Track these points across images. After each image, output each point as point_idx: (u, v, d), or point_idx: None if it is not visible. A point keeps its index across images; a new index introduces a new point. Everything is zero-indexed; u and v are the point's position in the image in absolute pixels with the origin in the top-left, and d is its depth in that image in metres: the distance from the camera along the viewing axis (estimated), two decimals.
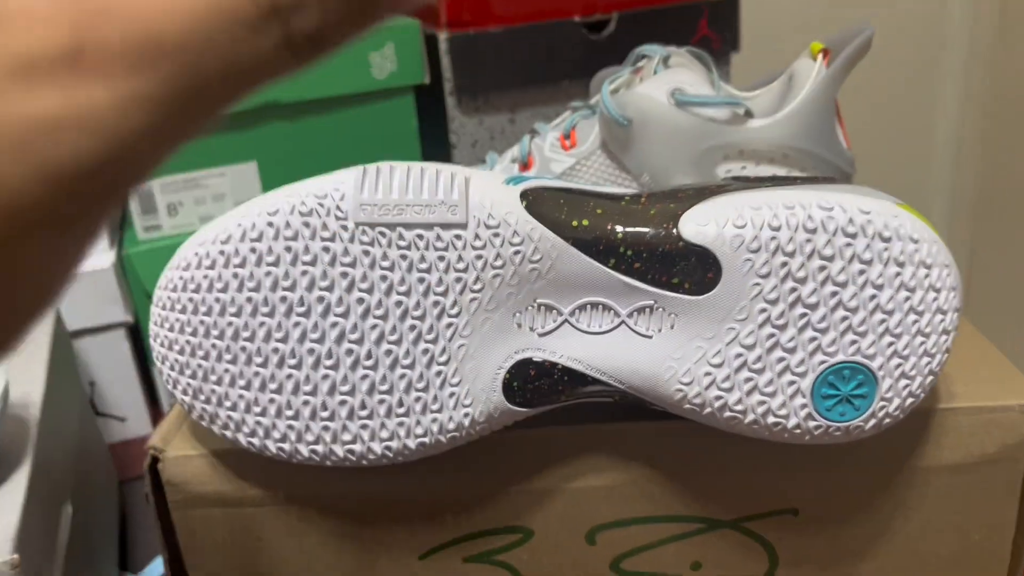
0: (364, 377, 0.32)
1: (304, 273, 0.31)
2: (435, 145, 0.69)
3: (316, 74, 0.62)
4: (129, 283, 0.61)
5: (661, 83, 0.41)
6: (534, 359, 0.32)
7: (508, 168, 0.43)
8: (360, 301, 0.31)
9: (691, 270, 0.31)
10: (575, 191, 0.32)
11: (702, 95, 0.40)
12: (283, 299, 0.31)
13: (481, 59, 0.65)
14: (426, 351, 0.32)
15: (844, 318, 0.30)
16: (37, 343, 0.47)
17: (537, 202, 0.31)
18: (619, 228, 0.31)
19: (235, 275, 0.31)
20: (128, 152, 0.12)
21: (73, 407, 0.49)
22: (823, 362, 0.31)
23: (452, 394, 0.32)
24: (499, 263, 0.31)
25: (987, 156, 1.18)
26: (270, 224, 0.31)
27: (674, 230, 0.31)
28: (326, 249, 0.31)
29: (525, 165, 0.43)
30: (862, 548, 0.37)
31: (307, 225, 0.31)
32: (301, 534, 0.37)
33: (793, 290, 0.30)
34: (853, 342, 0.31)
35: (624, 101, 0.40)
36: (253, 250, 0.31)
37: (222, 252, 0.31)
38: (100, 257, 0.60)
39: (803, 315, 0.30)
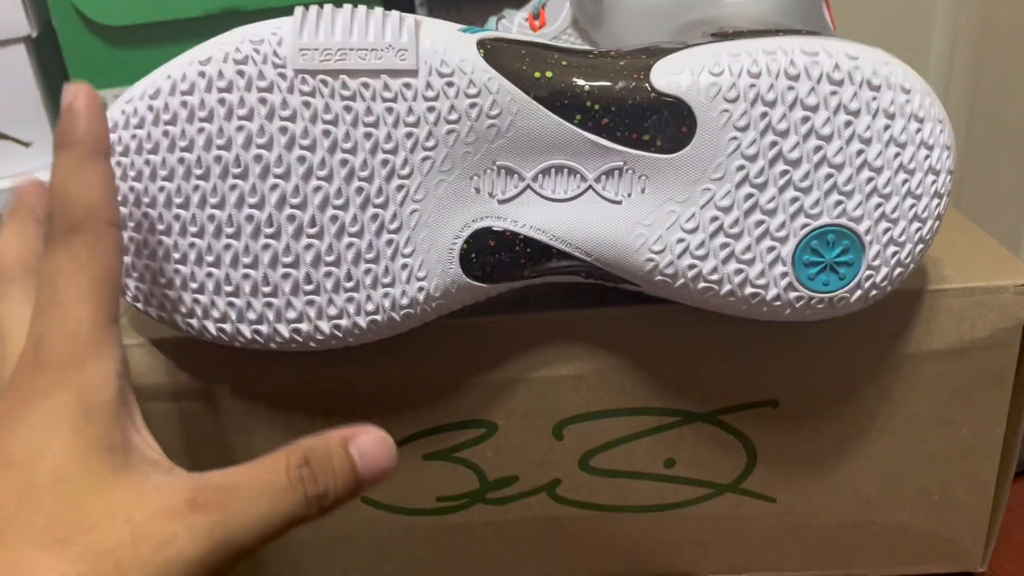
0: (308, 247, 0.29)
1: (240, 129, 0.28)
2: None
3: None
4: None
5: None
6: (494, 228, 0.30)
7: None
8: (301, 160, 0.28)
9: (663, 124, 0.28)
10: (538, 44, 0.30)
11: None
12: (218, 159, 0.29)
13: None
14: (375, 217, 0.29)
15: (828, 176, 0.28)
16: None
17: (496, 52, 0.29)
18: (585, 81, 0.28)
19: (165, 133, 0.29)
20: (211, 553, 0.23)
21: None
22: (805, 225, 0.28)
23: (405, 266, 0.29)
24: (453, 117, 0.28)
25: (976, 95, 1.16)
26: (201, 74, 0.28)
27: (645, 82, 0.28)
28: (263, 101, 0.28)
29: None
30: (845, 443, 0.35)
31: (242, 74, 0.28)
32: (248, 429, 0.35)
33: (774, 144, 0.28)
34: (838, 203, 0.28)
35: None
36: (184, 104, 0.28)
37: (151, 108, 0.29)
38: (49, 171, 0.57)
39: (784, 172, 0.28)
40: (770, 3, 0.38)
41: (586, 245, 0.30)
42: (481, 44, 0.29)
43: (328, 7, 0.28)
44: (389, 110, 0.28)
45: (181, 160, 0.29)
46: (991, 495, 0.36)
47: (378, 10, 0.28)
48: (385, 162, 0.28)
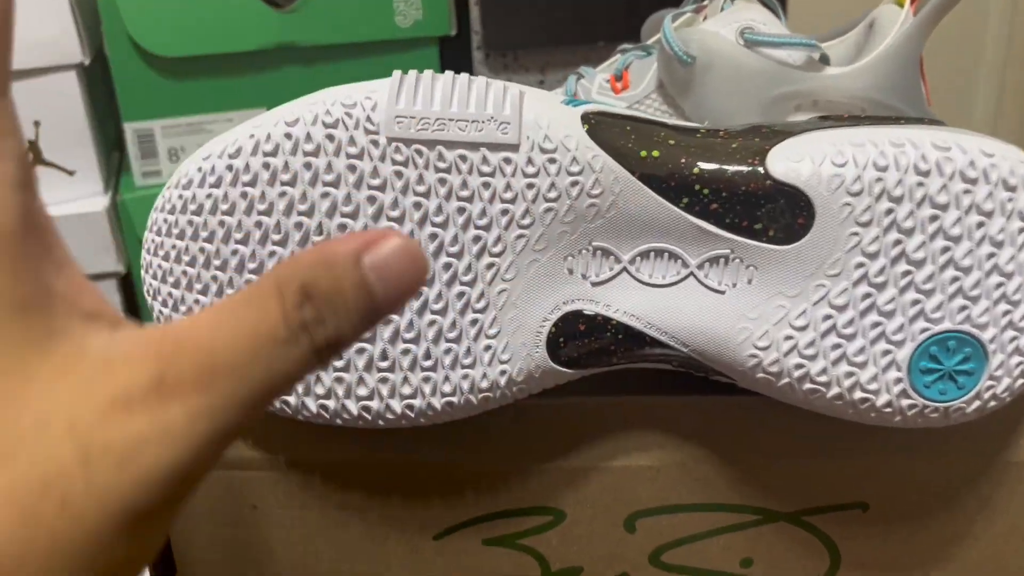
0: (387, 322, 0.27)
1: (325, 195, 0.27)
2: None
3: (337, 17, 0.58)
4: (123, 231, 0.57)
5: (729, 20, 0.36)
6: (585, 312, 0.28)
7: None
8: None
9: (778, 214, 0.26)
10: (643, 119, 0.28)
11: (775, 35, 0.36)
12: (298, 225, 0.27)
13: (513, 13, 0.61)
14: (461, 295, 0.27)
15: (954, 279, 0.26)
16: None
17: (600, 127, 0.27)
18: (696, 162, 0.27)
19: (244, 195, 0.27)
20: (198, 456, 0.16)
21: None
22: (925, 330, 0.26)
23: (488, 347, 0.28)
24: (553, 195, 0.26)
25: None
26: (288, 135, 0.26)
27: (761, 167, 0.26)
28: (352, 168, 0.26)
29: None
30: (938, 552, 0.33)
31: (331, 139, 0.26)
32: (301, 505, 0.33)
33: (897, 243, 0.26)
34: (963, 308, 0.26)
35: (688, 38, 0.36)
36: (267, 166, 0.27)
37: (230, 167, 0.27)
38: (93, 201, 0.56)
39: (906, 273, 0.26)
40: (870, 79, 0.36)
41: (683, 335, 0.28)
42: (585, 118, 0.27)
43: (428, 72, 0.26)
44: (486, 185, 0.26)
45: (259, 224, 0.27)
46: None
47: (480, 79, 0.26)
48: (477, 238, 0.27)
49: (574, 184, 0.26)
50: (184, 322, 0.17)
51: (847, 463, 0.32)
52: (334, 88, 0.27)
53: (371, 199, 0.26)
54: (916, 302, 0.26)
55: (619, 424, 0.32)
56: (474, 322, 0.27)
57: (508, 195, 0.26)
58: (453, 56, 0.63)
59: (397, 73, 0.26)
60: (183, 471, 0.16)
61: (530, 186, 0.26)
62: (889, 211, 0.26)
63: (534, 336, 0.28)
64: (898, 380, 0.27)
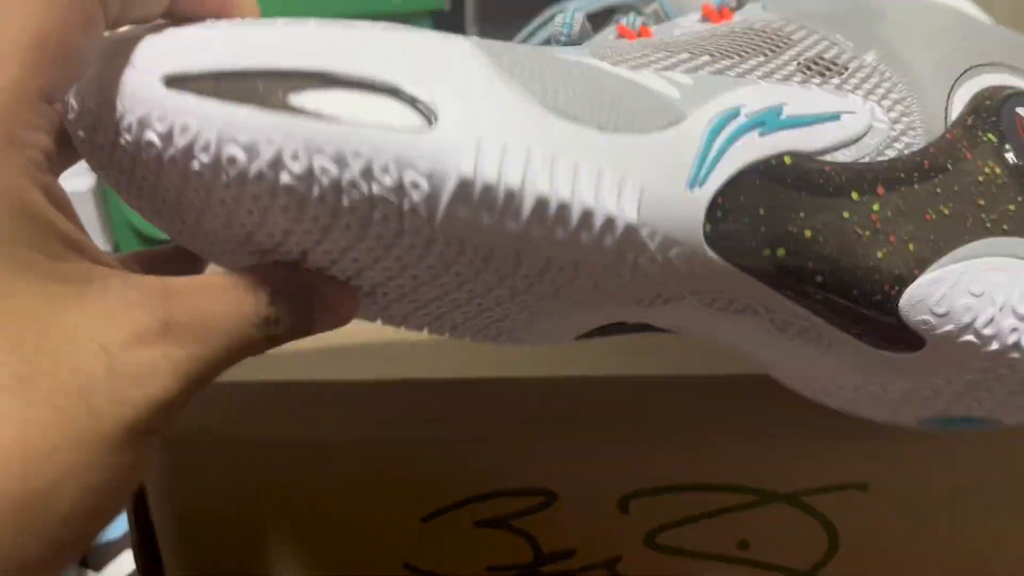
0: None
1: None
2: None
3: None
4: (111, 211, 0.54)
5: None
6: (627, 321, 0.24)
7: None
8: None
9: (880, 337, 0.22)
10: (792, 177, 0.21)
11: None
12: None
13: None
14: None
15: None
16: None
17: (727, 221, 0.20)
18: (822, 269, 0.21)
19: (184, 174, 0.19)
20: (188, 393, 0.19)
21: None
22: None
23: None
24: None
25: None
26: (242, 164, 0.18)
27: (892, 302, 0.21)
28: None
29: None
30: (939, 534, 0.33)
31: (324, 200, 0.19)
32: (283, 483, 0.30)
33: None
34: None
35: None
36: (216, 169, 0.19)
37: (155, 148, 0.19)
38: (79, 180, 0.52)
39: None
40: None
41: (726, 346, 0.25)
42: (712, 212, 0.20)
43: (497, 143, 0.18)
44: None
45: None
46: None
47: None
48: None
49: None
50: (182, 280, 0.20)
51: (846, 442, 0.31)
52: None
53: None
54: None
55: (614, 401, 0.29)
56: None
57: None
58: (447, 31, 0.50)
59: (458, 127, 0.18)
60: (177, 402, 0.19)
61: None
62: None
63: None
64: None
